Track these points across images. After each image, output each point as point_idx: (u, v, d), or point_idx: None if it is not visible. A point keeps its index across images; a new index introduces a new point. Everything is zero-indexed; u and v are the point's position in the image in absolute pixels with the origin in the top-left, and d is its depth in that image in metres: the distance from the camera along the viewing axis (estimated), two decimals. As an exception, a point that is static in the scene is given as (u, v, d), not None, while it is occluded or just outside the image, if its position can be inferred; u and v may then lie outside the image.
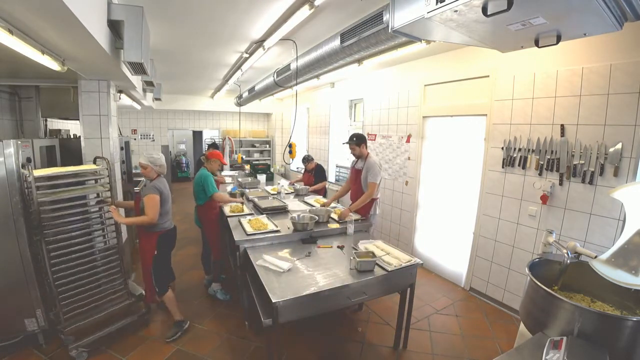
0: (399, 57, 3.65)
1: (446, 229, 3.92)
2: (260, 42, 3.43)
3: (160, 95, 5.91)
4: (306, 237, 2.84)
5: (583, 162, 2.51)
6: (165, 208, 2.67)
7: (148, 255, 2.66)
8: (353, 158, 3.67)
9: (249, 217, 3.17)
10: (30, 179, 2.19)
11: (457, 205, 3.75)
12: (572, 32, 1.56)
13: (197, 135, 11.62)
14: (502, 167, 3.12)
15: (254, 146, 10.00)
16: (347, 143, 3.53)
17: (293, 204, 3.86)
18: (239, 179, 5.61)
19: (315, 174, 4.92)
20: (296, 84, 4.17)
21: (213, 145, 4.87)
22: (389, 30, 2.01)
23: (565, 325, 1.34)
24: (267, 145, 10.07)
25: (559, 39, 1.57)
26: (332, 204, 3.68)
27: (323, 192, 4.78)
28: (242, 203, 3.56)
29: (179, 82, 6.48)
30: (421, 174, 4.21)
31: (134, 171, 4.96)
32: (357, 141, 3.43)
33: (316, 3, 2.36)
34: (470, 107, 3.47)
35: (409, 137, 4.34)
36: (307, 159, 4.97)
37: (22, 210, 2.24)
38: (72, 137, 4.25)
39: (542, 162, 2.78)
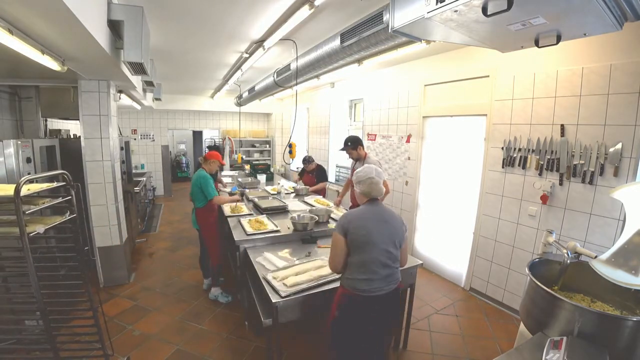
0: (399, 57, 3.65)
1: (446, 229, 3.92)
2: (260, 42, 3.43)
3: (160, 95, 5.91)
4: (306, 237, 2.83)
5: (583, 162, 2.50)
6: None
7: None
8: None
9: (248, 217, 3.17)
10: None
11: (457, 205, 3.75)
12: (572, 32, 1.56)
13: (197, 135, 11.63)
14: (502, 167, 3.12)
15: (254, 146, 10.00)
16: (343, 149, 3.51)
17: (293, 204, 3.86)
18: (239, 179, 5.62)
19: (316, 175, 4.90)
20: (296, 84, 4.17)
21: (213, 147, 4.82)
22: (389, 30, 2.01)
23: (565, 325, 1.34)
24: (267, 145, 10.06)
25: (559, 39, 1.57)
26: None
27: (323, 192, 4.77)
28: (240, 200, 3.50)
29: (179, 82, 6.48)
30: (421, 174, 4.21)
31: (133, 171, 4.95)
32: (353, 145, 3.41)
33: (316, 3, 2.36)
34: (470, 107, 3.47)
35: (409, 137, 4.34)
36: (307, 160, 4.94)
37: None
38: (72, 137, 4.25)
39: (542, 162, 2.78)
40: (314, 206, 3.65)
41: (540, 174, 2.82)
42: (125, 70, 2.87)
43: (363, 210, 1.82)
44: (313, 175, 4.92)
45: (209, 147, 5.01)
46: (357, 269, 1.73)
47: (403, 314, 1.95)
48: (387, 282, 1.75)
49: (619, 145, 2.29)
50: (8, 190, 1.68)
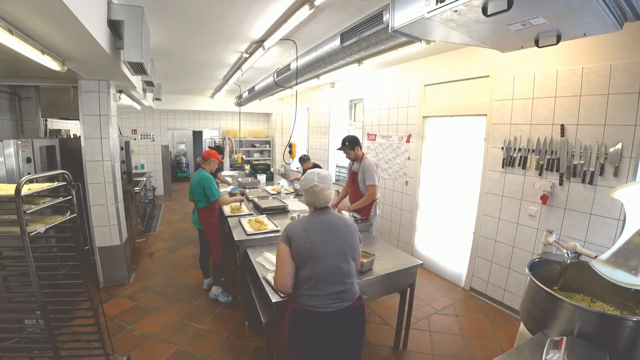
0: (399, 57, 3.65)
1: (446, 229, 3.92)
2: (260, 42, 3.43)
3: (160, 95, 5.91)
4: (306, 237, 2.83)
5: (583, 162, 2.50)
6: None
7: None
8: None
9: (248, 217, 3.17)
10: None
11: (457, 205, 3.75)
12: (572, 32, 1.56)
13: (197, 135, 11.63)
14: (502, 167, 3.12)
15: (254, 146, 9.99)
16: (340, 149, 3.51)
17: (293, 204, 3.86)
18: (239, 179, 5.62)
19: None
20: (296, 84, 4.17)
21: (214, 148, 4.82)
22: (389, 30, 2.01)
23: (565, 325, 1.34)
24: (267, 145, 10.06)
25: (559, 39, 1.57)
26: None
27: None
28: (242, 201, 3.51)
29: (179, 82, 6.48)
30: (421, 174, 4.21)
31: (133, 171, 4.95)
32: (350, 145, 3.39)
33: (316, 3, 2.36)
34: (470, 107, 3.47)
35: (409, 137, 4.34)
36: (303, 159, 4.98)
37: None
38: (72, 137, 4.25)
39: (542, 162, 2.78)
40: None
41: (540, 174, 2.82)
42: (125, 70, 2.87)
43: (307, 221, 1.65)
44: None
45: (209, 148, 5.04)
46: (304, 283, 1.60)
47: (364, 334, 1.75)
48: (337, 299, 1.59)
49: (619, 145, 2.29)
50: (9, 189, 1.69)
